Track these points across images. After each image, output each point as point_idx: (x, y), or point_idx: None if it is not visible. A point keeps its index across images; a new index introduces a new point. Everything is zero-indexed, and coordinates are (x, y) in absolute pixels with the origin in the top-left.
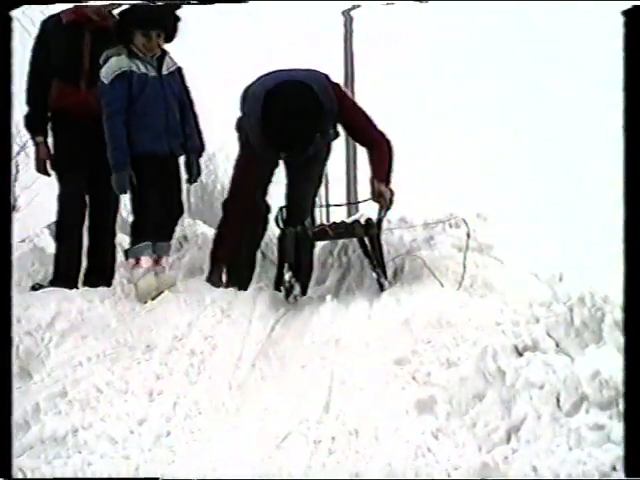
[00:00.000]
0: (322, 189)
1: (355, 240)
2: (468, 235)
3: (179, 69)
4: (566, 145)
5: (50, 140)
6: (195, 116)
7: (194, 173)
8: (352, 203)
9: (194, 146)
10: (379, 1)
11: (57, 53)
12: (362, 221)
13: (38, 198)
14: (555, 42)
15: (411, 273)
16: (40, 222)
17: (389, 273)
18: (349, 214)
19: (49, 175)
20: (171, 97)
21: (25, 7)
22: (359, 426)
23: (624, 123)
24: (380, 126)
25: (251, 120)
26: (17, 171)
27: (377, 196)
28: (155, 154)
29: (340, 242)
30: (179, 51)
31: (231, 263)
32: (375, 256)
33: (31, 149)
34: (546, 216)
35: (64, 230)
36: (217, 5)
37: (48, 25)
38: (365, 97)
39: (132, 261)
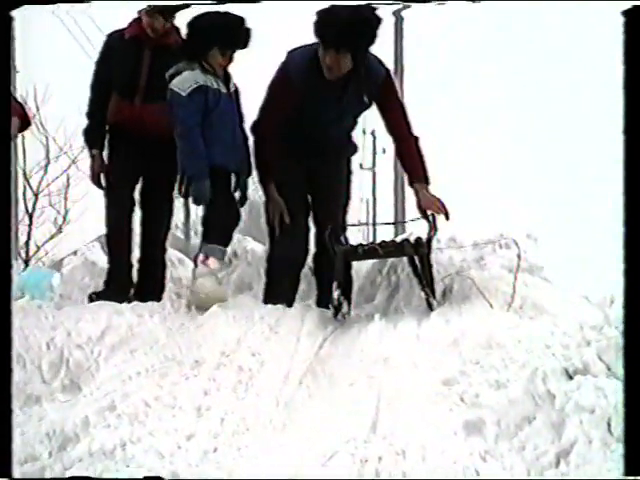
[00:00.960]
0: (370, 208)
1: (404, 259)
2: (518, 256)
3: (237, 88)
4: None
5: (105, 153)
6: (246, 137)
7: (244, 193)
8: (400, 222)
9: (247, 166)
10: (431, 2)
11: (118, 68)
12: (412, 240)
13: (88, 211)
14: (554, 42)
15: (460, 293)
16: (90, 235)
17: (438, 293)
18: (396, 233)
19: (102, 187)
20: (236, 115)
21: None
22: (406, 446)
23: (624, 123)
24: (430, 132)
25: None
26: (68, 184)
27: (425, 205)
28: (225, 168)
29: (389, 261)
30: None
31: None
32: (424, 275)
33: (81, 163)
34: (597, 237)
35: (114, 242)
36: (255, 4)
37: (112, 40)
38: (415, 98)
39: (202, 257)
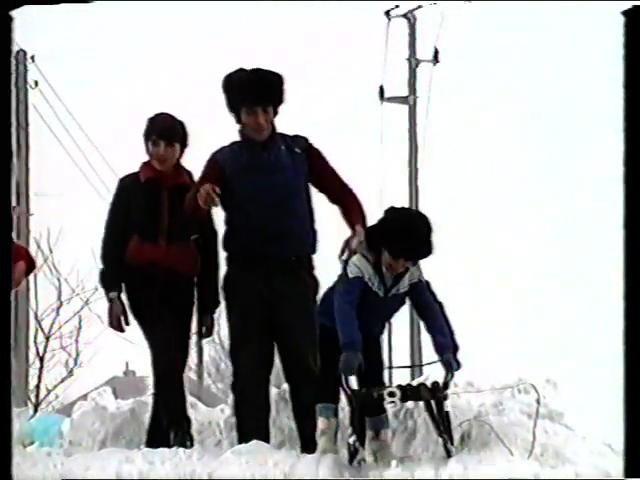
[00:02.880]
0: (385, 351)
1: (421, 403)
2: (538, 402)
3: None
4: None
5: (128, 296)
6: None
7: None
8: (417, 365)
9: None
10: (444, 1)
11: (136, 210)
12: (428, 384)
13: (100, 353)
14: (554, 42)
15: (479, 439)
16: (101, 378)
17: (456, 439)
18: (412, 377)
19: (123, 331)
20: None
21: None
22: None
23: (624, 123)
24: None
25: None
26: (80, 327)
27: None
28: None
29: (405, 405)
30: None
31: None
32: (442, 421)
33: (94, 304)
34: (619, 382)
35: (167, 380)
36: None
37: (126, 183)
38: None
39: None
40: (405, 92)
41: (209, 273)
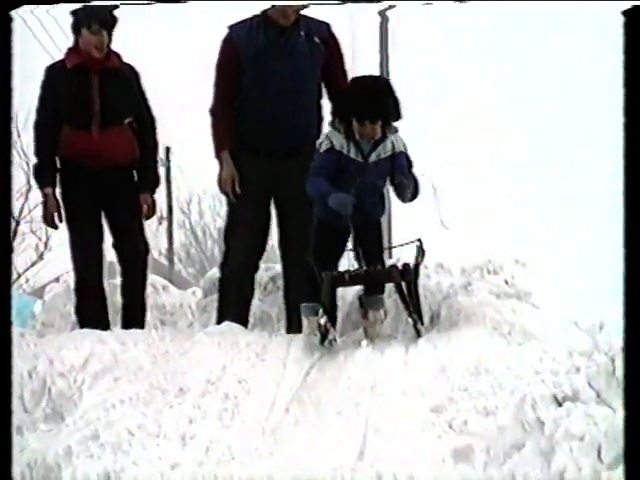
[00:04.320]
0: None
1: (392, 285)
2: (506, 281)
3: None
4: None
5: (59, 190)
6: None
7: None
8: (387, 248)
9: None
10: (417, 1)
11: (65, 99)
12: (399, 266)
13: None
14: (554, 42)
15: (448, 319)
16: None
17: (426, 319)
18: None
19: (57, 228)
20: (373, 180)
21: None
22: (394, 474)
23: (624, 123)
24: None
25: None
26: None
27: None
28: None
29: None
30: None
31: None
32: (412, 302)
33: None
34: (586, 263)
35: (84, 280)
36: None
37: (53, 72)
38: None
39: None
40: None
41: (147, 154)
